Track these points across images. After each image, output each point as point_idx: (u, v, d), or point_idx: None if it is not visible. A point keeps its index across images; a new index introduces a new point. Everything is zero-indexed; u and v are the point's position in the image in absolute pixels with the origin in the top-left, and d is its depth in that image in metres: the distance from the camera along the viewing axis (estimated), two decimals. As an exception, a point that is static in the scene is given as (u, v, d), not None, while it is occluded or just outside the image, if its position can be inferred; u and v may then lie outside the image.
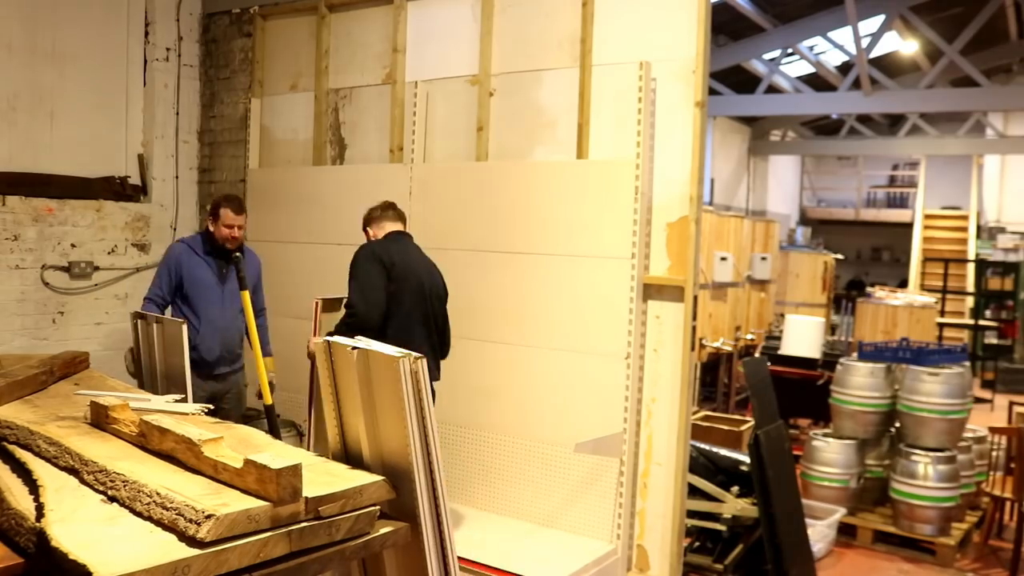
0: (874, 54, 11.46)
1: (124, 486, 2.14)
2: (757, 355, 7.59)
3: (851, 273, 19.13)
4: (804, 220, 19.34)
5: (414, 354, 2.60)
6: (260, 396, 4.22)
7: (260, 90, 5.62)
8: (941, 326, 11.26)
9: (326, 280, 5.08)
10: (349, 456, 2.73)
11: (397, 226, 4.06)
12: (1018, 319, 13.04)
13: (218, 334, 4.39)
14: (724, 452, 4.79)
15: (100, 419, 2.69)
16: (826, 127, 18.27)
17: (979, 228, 15.46)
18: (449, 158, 4.70)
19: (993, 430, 5.64)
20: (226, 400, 4.52)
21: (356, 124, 5.17)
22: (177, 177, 5.93)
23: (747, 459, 4.50)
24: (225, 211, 4.33)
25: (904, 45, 12.69)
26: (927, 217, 15.82)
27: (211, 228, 4.40)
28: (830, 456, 5.65)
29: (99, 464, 2.26)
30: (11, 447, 2.57)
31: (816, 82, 13.40)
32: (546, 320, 4.23)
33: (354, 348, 2.66)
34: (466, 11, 4.65)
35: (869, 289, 12.19)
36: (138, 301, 5.47)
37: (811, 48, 12.48)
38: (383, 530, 2.36)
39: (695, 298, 3.99)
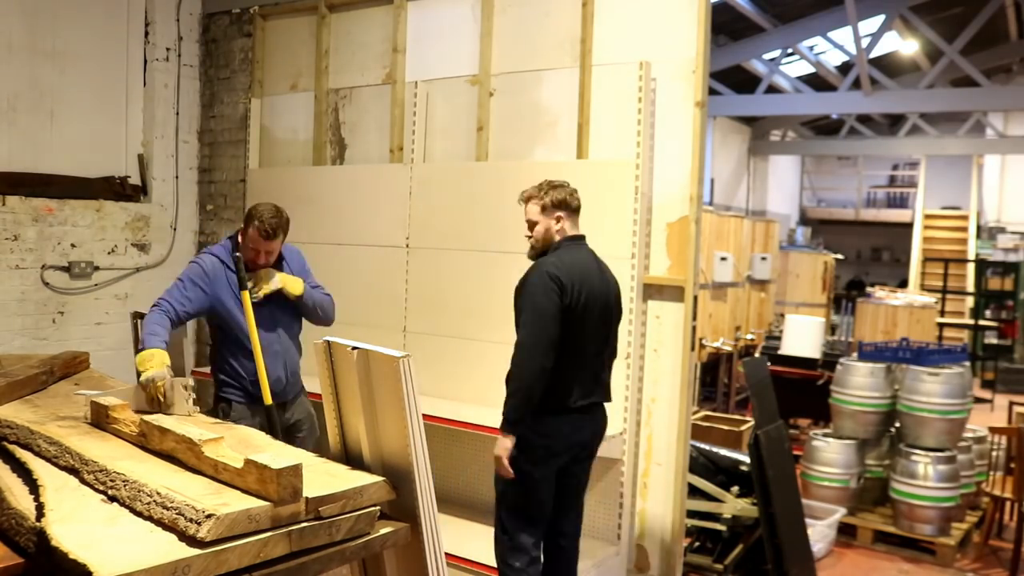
0: (874, 54, 11.46)
1: (124, 486, 2.14)
2: (757, 355, 7.58)
3: (851, 273, 19.13)
4: (804, 220, 19.34)
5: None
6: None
7: (260, 90, 5.62)
8: (941, 326, 11.26)
9: (325, 280, 5.09)
10: (349, 456, 2.73)
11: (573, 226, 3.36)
12: (1018, 319, 13.04)
13: (279, 357, 3.72)
14: (724, 452, 4.79)
15: (100, 419, 2.69)
16: (826, 127, 18.27)
17: (979, 228, 15.46)
18: (449, 158, 4.70)
19: (993, 430, 5.64)
20: (300, 428, 3.87)
21: (356, 124, 5.17)
22: (177, 177, 5.93)
23: (747, 459, 4.50)
24: (253, 233, 3.55)
25: (904, 45, 12.70)
26: (927, 217, 15.82)
27: (240, 239, 3.67)
28: (830, 456, 5.65)
29: (99, 464, 2.26)
30: (11, 447, 2.57)
31: (816, 82, 13.40)
32: (546, 320, 4.22)
33: (354, 348, 2.66)
34: (466, 11, 4.65)
35: (869, 289, 12.19)
36: (138, 301, 5.49)
37: (811, 48, 12.49)
38: (383, 530, 2.36)
39: (695, 298, 3.99)
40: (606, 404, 3.43)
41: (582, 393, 3.22)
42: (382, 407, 2.62)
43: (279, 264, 3.74)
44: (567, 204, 3.28)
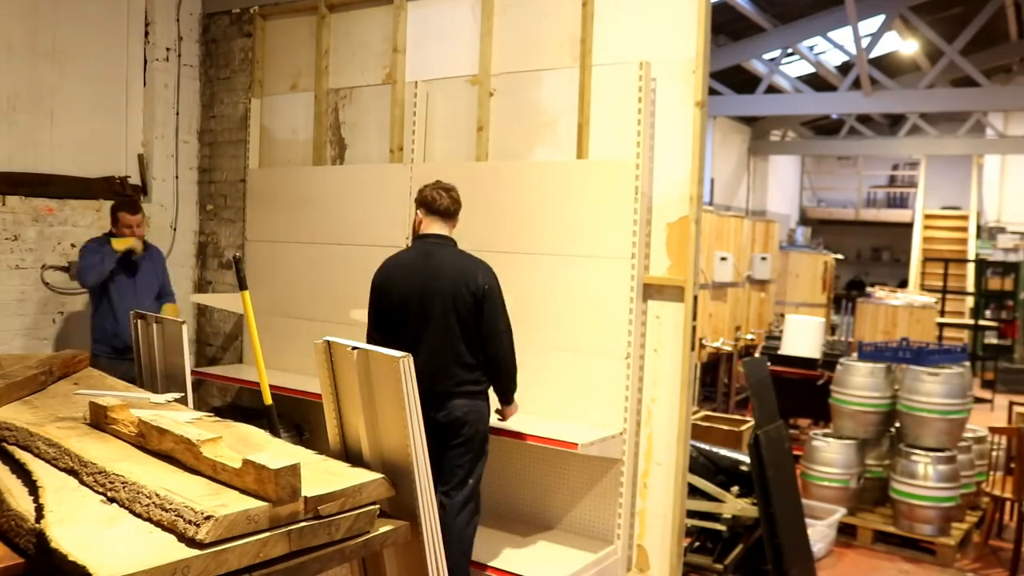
0: (874, 54, 11.46)
1: (123, 487, 2.14)
2: (757, 355, 7.58)
3: (851, 273, 19.12)
4: (804, 220, 19.34)
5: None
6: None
7: (260, 90, 5.62)
8: (941, 326, 11.26)
9: (326, 280, 5.09)
10: (349, 455, 2.74)
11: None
12: (1018, 319, 13.04)
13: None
14: (724, 452, 4.79)
15: (99, 420, 2.69)
16: (826, 127, 18.27)
17: (979, 228, 15.46)
18: (449, 158, 4.70)
19: (993, 430, 5.64)
20: None
21: (356, 124, 5.17)
22: (177, 177, 5.93)
23: (747, 459, 4.50)
24: (123, 214, 4.87)
25: (904, 45, 12.69)
26: (927, 217, 15.82)
27: (113, 231, 4.90)
28: (830, 456, 5.65)
29: (98, 465, 2.26)
30: (11, 448, 2.57)
31: (816, 82, 13.40)
32: (546, 320, 4.23)
33: (354, 348, 2.66)
34: (466, 11, 4.65)
35: (869, 289, 12.18)
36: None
37: (811, 48, 12.48)
38: (383, 529, 2.36)
39: (695, 298, 3.99)
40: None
41: None
42: (382, 406, 2.63)
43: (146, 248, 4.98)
44: (425, 203, 3.67)
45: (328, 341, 2.79)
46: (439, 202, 3.64)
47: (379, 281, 3.66)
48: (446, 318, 3.49)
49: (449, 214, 3.68)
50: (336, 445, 2.78)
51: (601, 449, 3.93)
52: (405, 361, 2.57)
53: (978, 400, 8.10)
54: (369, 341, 3.44)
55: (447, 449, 3.52)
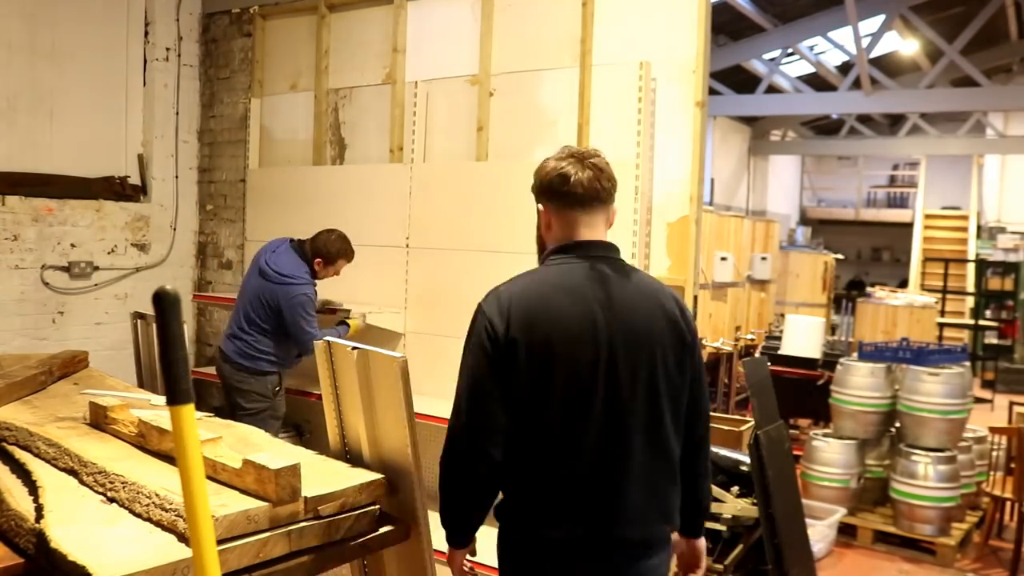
0: (874, 54, 11.46)
1: (123, 487, 2.14)
2: (757, 355, 7.58)
3: (851, 273, 19.11)
4: (804, 220, 19.33)
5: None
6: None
7: (260, 90, 5.62)
8: (941, 326, 11.25)
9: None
10: (350, 455, 2.74)
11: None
12: (1018, 319, 13.03)
13: None
14: (724, 452, 4.78)
15: (99, 420, 2.69)
16: (826, 127, 18.27)
17: (979, 228, 15.46)
18: (449, 158, 4.70)
19: (993, 430, 5.64)
20: None
21: (356, 124, 5.17)
22: (177, 177, 5.93)
23: (747, 459, 4.49)
24: (343, 262, 4.43)
25: (904, 45, 12.69)
26: (927, 217, 15.81)
27: (317, 269, 4.38)
28: (830, 456, 5.65)
29: (98, 465, 2.26)
30: (11, 448, 2.57)
31: (816, 82, 13.39)
32: (546, 320, 4.22)
33: (354, 348, 2.67)
34: (466, 11, 4.65)
35: (869, 289, 12.18)
36: (138, 301, 5.49)
37: (811, 48, 12.48)
38: (383, 529, 2.36)
39: (695, 298, 3.99)
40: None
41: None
42: (381, 407, 2.63)
43: None
44: (551, 189, 2.09)
45: (328, 341, 2.79)
46: (570, 181, 2.05)
47: (517, 328, 2.01)
48: (656, 396, 2.03)
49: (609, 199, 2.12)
50: (336, 445, 2.78)
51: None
52: (403, 362, 2.50)
53: (978, 400, 8.09)
54: (479, 417, 2.03)
55: None
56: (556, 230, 2.11)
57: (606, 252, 2.09)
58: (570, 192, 2.05)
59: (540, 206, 2.13)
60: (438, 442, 4.57)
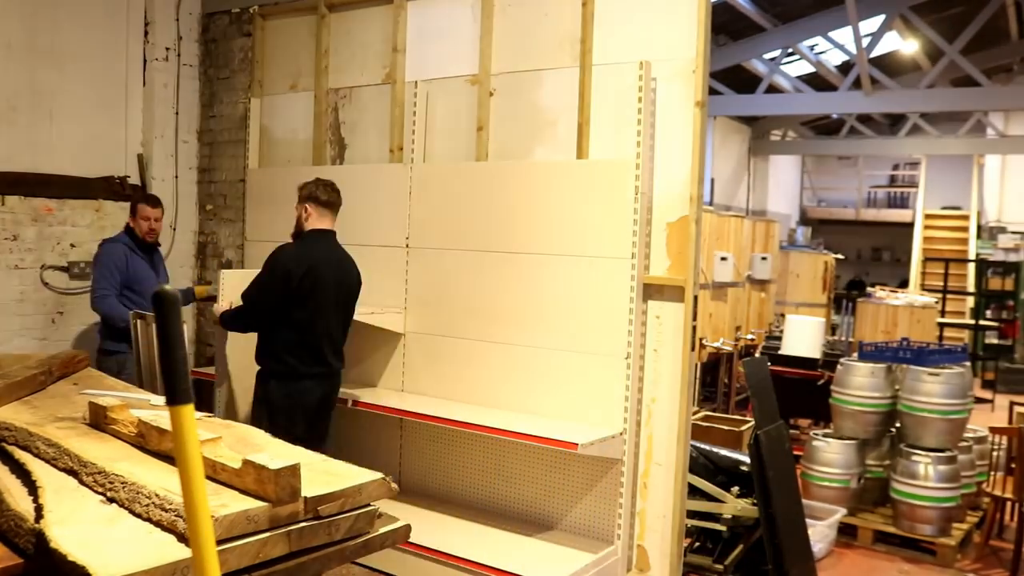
0: (874, 54, 11.45)
1: (123, 487, 2.13)
2: (757, 355, 7.58)
3: (851, 273, 19.12)
4: (804, 220, 19.33)
5: None
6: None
7: (260, 90, 5.62)
8: (941, 326, 11.25)
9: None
10: None
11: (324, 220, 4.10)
12: (1018, 319, 13.04)
13: None
14: (724, 452, 4.78)
15: (99, 420, 2.69)
16: (826, 127, 18.27)
17: (979, 228, 15.46)
18: (449, 158, 4.70)
19: (993, 430, 5.64)
20: None
21: (356, 124, 5.17)
22: (177, 177, 5.93)
23: (747, 459, 4.49)
24: (142, 206, 4.91)
25: (904, 45, 12.69)
26: (927, 217, 15.81)
27: (131, 224, 4.93)
28: (830, 456, 5.65)
29: (98, 466, 2.26)
30: (10, 448, 2.56)
31: (816, 82, 13.39)
32: (546, 320, 4.23)
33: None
34: (466, 11, 4.64)
35: (869, 289, 12.18)
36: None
37: (811, 48, 12.48)
38: (383, 529, 2.36)
39: (695, 298, 3.99)
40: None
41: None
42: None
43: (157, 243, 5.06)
44: (315, 198, 4.01)
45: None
46: (325, 195, 4.06)
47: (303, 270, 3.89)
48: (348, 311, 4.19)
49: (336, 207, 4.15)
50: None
51: (601, 449, 3.92)
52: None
53: (979, 400, 8.09)
54: (262, 312, 3.95)
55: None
56: (313, 221, 4.03)
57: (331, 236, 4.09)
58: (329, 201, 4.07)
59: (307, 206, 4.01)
60: (441, 441, 4.58)
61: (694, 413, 5.66)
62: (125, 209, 5.64)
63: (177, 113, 5.91)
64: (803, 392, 7.03)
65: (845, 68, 12.78)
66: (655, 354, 4.08)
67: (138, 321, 4.25)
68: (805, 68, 13.67)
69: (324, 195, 4.01)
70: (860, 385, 5.69)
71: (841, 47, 12.22)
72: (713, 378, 8.93)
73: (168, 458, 2.38)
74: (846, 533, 5.49)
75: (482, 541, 3.98)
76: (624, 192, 3.99)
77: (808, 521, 4.77)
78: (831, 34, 11.57)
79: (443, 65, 4.73)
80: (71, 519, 2.02)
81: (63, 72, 5.38)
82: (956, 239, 15.38)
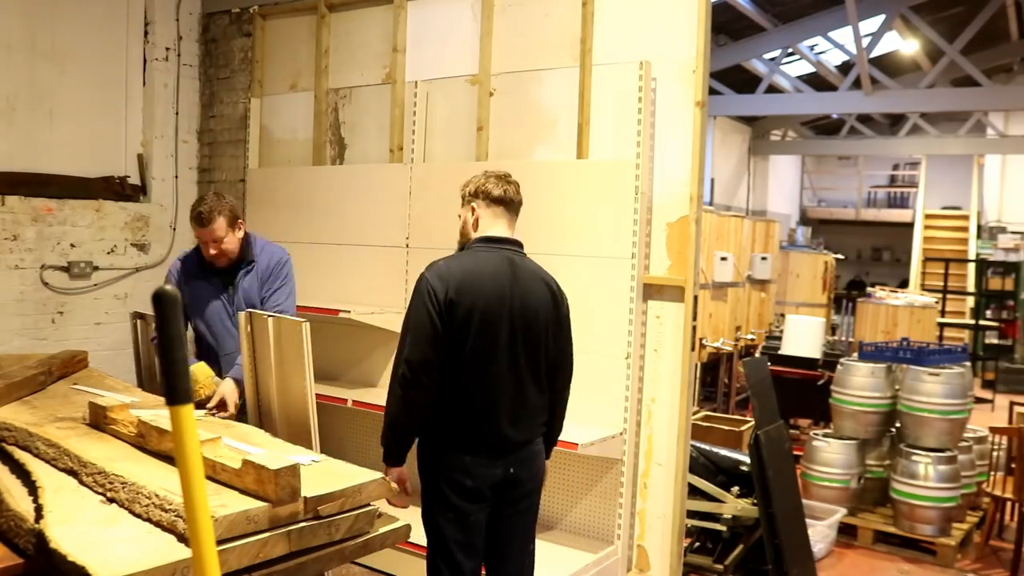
0: (874, 54, 11.46)
1: (123, 488, 2.13)
2: (757, 355, 7.58)
3: (851, 273, 19.13)
4: (804, 220, 19.33)
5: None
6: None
7: (260, 90, 5.62)
8: (942, 326, 11.25)
9: (325, 280, 5.09)
10: (261, 413, 3.41)
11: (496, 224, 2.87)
12: (1019, 319, 13.04)
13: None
14: (724, 452, 4.78)
15: (99, 420, 2.69)
16: (826, 127, 18.27)
17: (980, 228, 15.46)
18: (449, 158, 4.70)
19: (994, 430, 5.64)
20: None
21: (356, 124, 5.17)
22: (177, 177, 5.92)
23: (747, 459, 4.50)
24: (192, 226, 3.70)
25: (904, 45, 12.70)
26: (928, 217, 15.81)
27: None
28: (830, 456, 5.65)
29: (98, 466, 2.26)
30: (10, 448, 2.56)
31: (816, 82, 13.40)
32: (546, 320, 4.22)
33: (269, 316, 3.31)
34: (466, 11, 4.64)
35: (869, 289, 12.18)
36: (138, 301, 5.48)
37: (811, 48, 12.48)
38: (383, 529, 2.36)
39: (695, 298, 3.99)
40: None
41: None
42: (288, 367, 3.26)
43: (245, 263, 3.71)
44: (484, 193, 2.86)
45: (250, 312, 3.37)
46: (507, 192, 2.88)
47: (449, 295, 2.66)
48: (540, 347, 2.81)
49: (517, 208, 2.93)
50: (252, 407, 3.37)
51: (601, 449, 3.92)
52: (306, 326, 3.18)
53: (979, 400, 8.10)
54: (421, 361, 2.64)
55: (518, 513, 2.88)
56: (484, 225, 2.86)
57: (519, 249, 2.87)
58: (502, 198, 2.86)
59: (473, 206, 2.87)
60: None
61: (694, 413, 5.66)
62: (125, 209, 5.65)
63: (177, 113, 5.91)
64: (803, 392, 7.03)
65: (845, 68, 12.78)
66: (655, 354, 4.08)
67: (138, 321, 4.24)
68: (805, 68, 13.67)
69: (497, 189, 2.86)
70: (860, 385, 5.69)
71: (841, 47, 12.22)
72: (713, 378, 8.93)
73: (168, 458, 2.38)
74: (846, 533, 5.49)
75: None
76: (624, 192, 3.99)
77: (808, 521, 4.77)
78: (831, 34, 11.57)
79: (443, 65, 4.73)
80: (71, 519, 2.02)
81: (63, 72, 5.38)
82: (956, 239, 15.38)
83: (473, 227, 2.86)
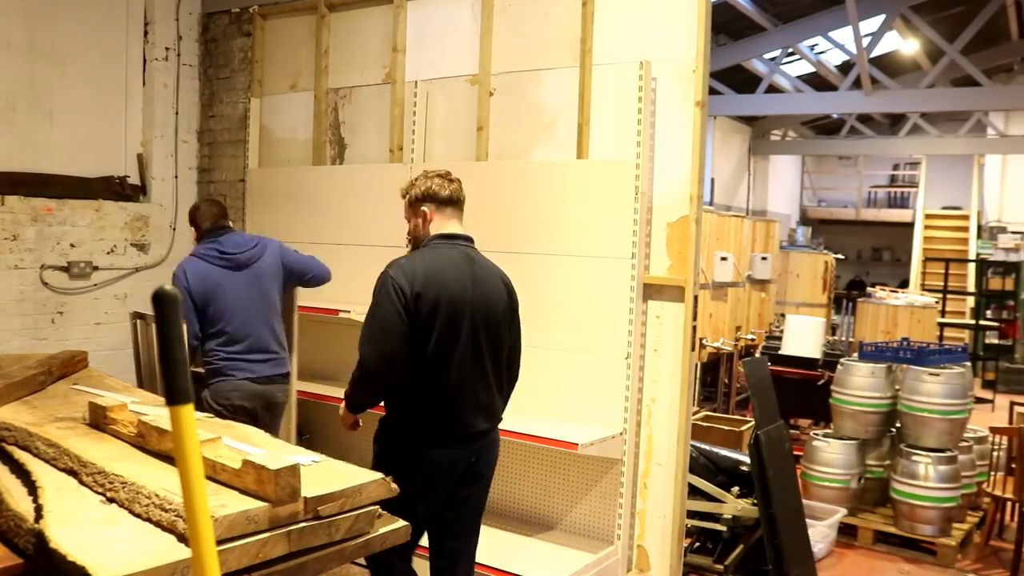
0: (875, 53, 11.45)
1: (123, 488, 2.13)
2: (757, 355, 7.58)
3: (851, 273, 19.12)
4: (804, 220, 19.32)
5: None
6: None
7: (259, 90, 5.61)
8: (942, 326, 11.25)
9: (326, 283, 5.08)
10: None
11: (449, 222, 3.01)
12: (1019, 319, 13.03)
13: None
14: (724, 452, 4.79)
15: (98, 420, 2.69)
16: (826, 127, 18.27)
17: (980, 228, 15.45)
18: (449, 158, 4.70)
19: (994, 430, 5.64)
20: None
21: (356, 124, 5.17)
22: (176, 177, 5.92)
23: (747, 459, 4.50)
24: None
25: (905, 44, 12.69)
26: (928, 217, 15.80)
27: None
28: (830, 456, 5.64)
29: (98, 466, 2.26)
30: (10, 448, 2.56)
31: (816, 82, 13.39)
32: (546, 320, 4.22)
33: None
34: (466, 11, 4.64)
35: (870, 289, 12.18)
36: (138, 301, 5.48)
37: (812, 48, 12.48)
38: (383, 529, 2.36)
39: (695, 298, 3.99)
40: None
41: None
42: None
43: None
44: (434, 196, 2.96)
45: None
46: (454, 191, 3.01)
47: (415, 289, 2.79)
48: (499, 338, 2.96)
49: (463, 205, 3.06)
50: None
51: (601, 449, 3.92)
52: None
53: (979, 400, 8.09)
54: (389, 356, 2.78)
55: (476, 494, 3.06)
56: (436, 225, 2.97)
57: (472, 244, 3.01)
58: (450, 198, 2.98)
59: (424, 209, 2.96)
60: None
61: (694, 413, 5.66)
62: (125, 209, 5.65)
63: (177, 113, 5.91)
64: (803, 392, 7.03)
65: (845, 68, 12.78)
66: (655, 354, 4.08)
67: (138, 321, 4.24)
68: (805, 68, 13.67)
69: (444, 190, 2.98)
70: (860, 385, 5.69)
71: (841, 47, 12.21)
72: (713, 378, 8.93)
73: (168, 458, 2.38)
74: (846, 533, 5.49)
75: (482, 541, 3.97)
76: (624, 192, 3.99)
77: (808, 521, 4.77)
78: (831, 34, 11.57)
79: (443, 65, 4.73)
80: (71, 519, 2.02)
81: (63, 72, 5.38)
82: (956, 239, 15.37)
83: (425, 229, 2.99)
